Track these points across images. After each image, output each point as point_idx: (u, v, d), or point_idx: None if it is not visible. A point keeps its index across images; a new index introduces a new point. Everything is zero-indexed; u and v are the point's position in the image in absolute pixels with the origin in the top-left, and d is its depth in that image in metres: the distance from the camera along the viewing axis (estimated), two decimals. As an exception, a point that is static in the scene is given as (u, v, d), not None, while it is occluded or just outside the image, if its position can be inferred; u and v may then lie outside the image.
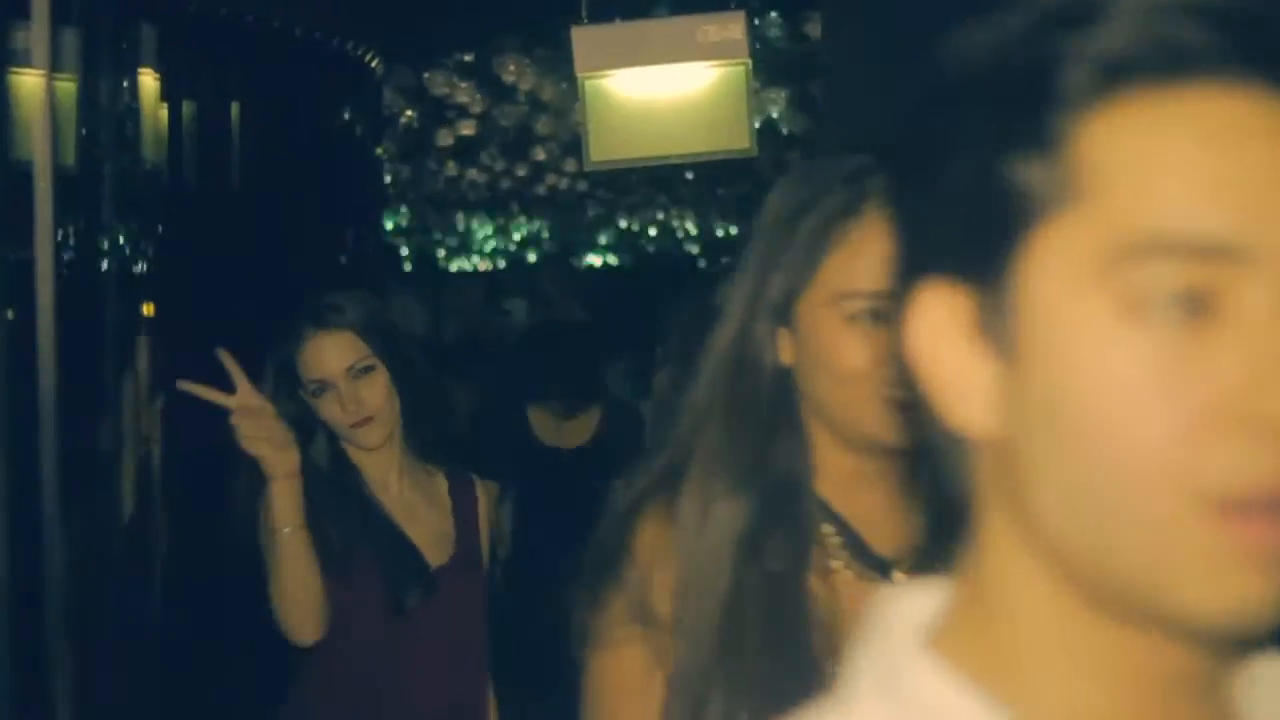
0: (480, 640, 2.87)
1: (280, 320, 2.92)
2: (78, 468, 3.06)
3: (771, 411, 1.60)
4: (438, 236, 16.80)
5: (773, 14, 7.82)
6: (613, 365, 5.34)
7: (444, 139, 10.89)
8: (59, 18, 2.91)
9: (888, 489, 1.65)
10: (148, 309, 4.63)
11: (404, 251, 15.34)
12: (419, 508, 2.88)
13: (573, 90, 4.15)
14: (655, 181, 14.51)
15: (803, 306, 1.58)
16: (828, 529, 1.62)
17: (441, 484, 2.94)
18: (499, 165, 12.77)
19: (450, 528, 2.90)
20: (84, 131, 3.76)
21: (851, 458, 1.62)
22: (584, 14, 4.04)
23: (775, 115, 9.63)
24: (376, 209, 7.22)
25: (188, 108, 5.28)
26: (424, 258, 16.27)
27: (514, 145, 11.95)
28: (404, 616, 2.72)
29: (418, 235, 16.14)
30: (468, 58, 9.16)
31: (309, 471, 2.67)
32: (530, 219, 16.55)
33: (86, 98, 3.74)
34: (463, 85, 9.44)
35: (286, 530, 2.59)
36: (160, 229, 4.82)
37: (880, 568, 1.62)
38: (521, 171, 12.99)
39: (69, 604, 2.80)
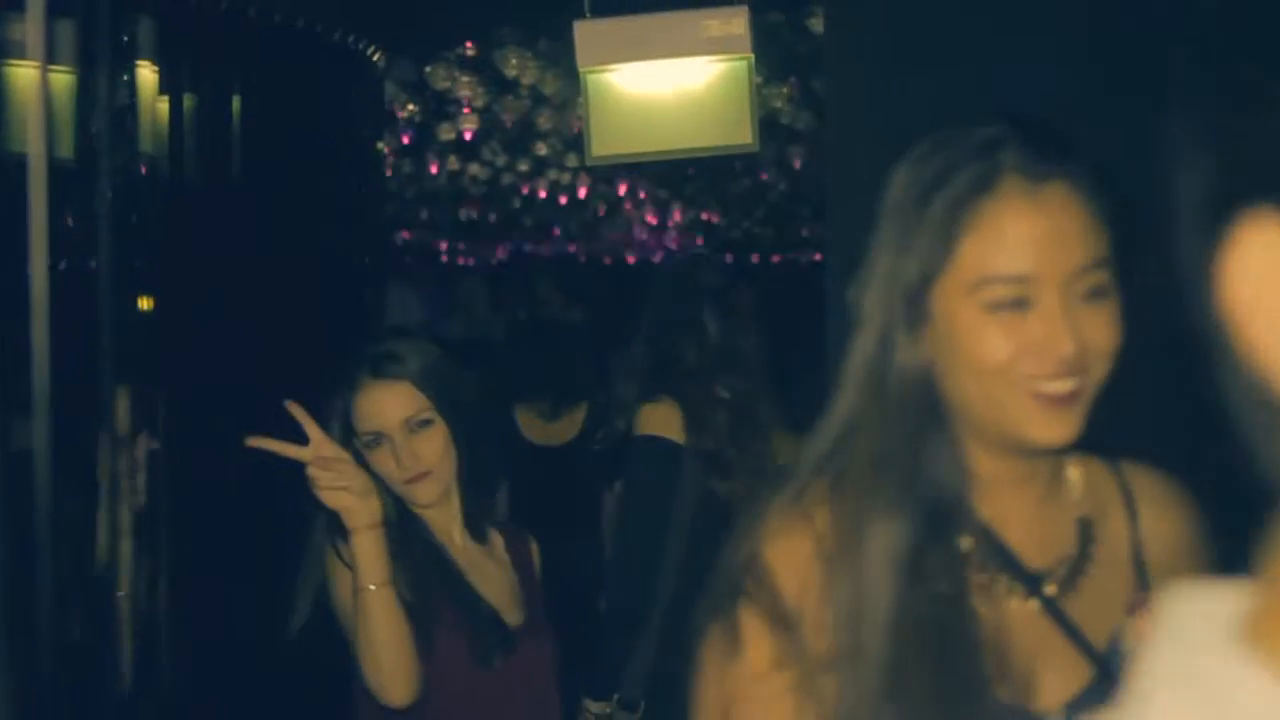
0: (557, 700, 2.78)
1: (337, 365, 2.83)
2: (71, 467, 3.04)
3: (921, 417, 1.46)
4: (439, 232, 16.76)
5: (775, 10, 7.78)
6: (614, 361, 5.34)
7: (445, 133, 10.86)
8: (55, 9, 2.88)
9: (1036, 494, 1.52)
10: (145, 303, 4.60)
11: (405, 246, 15.31)
12: (483, 564, 2.79)
13: (575, 84, 4.12)
14: (657, 176, 14.48)
15: (937, 295, 1.44)
16: (970, 539, 1.48)
17: (498, 540, 2.86)
18: (500, 160, 12.73)
19: (516, 585, 2.81)
20: (82, 125, 3.73)
21: (996, 460, 1.48)
22: (586, 8, 4.01)
23: (779, 107, 9.59)
24: (378, 203, 7.18)
25: (188, 101, 5.26)
26: (426, 253, 16.24)
27: (516, 140, 11.92)
28: (485, 674, 2.62)
29: (419, 230, 16.10)
30: (469, 51, 9.13)
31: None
32: (532, 214, 16.51)
33: (84, 91, 3.72)
34: (464, 79, 9.41)
35: (373, 588, 2.46)
36: (159, 223, 4.79)
37: (1030, 581, 1.49)
38: (523, 166, 12.95)
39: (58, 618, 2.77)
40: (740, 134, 3.94)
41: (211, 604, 4.75)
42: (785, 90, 9.59)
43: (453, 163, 12.70)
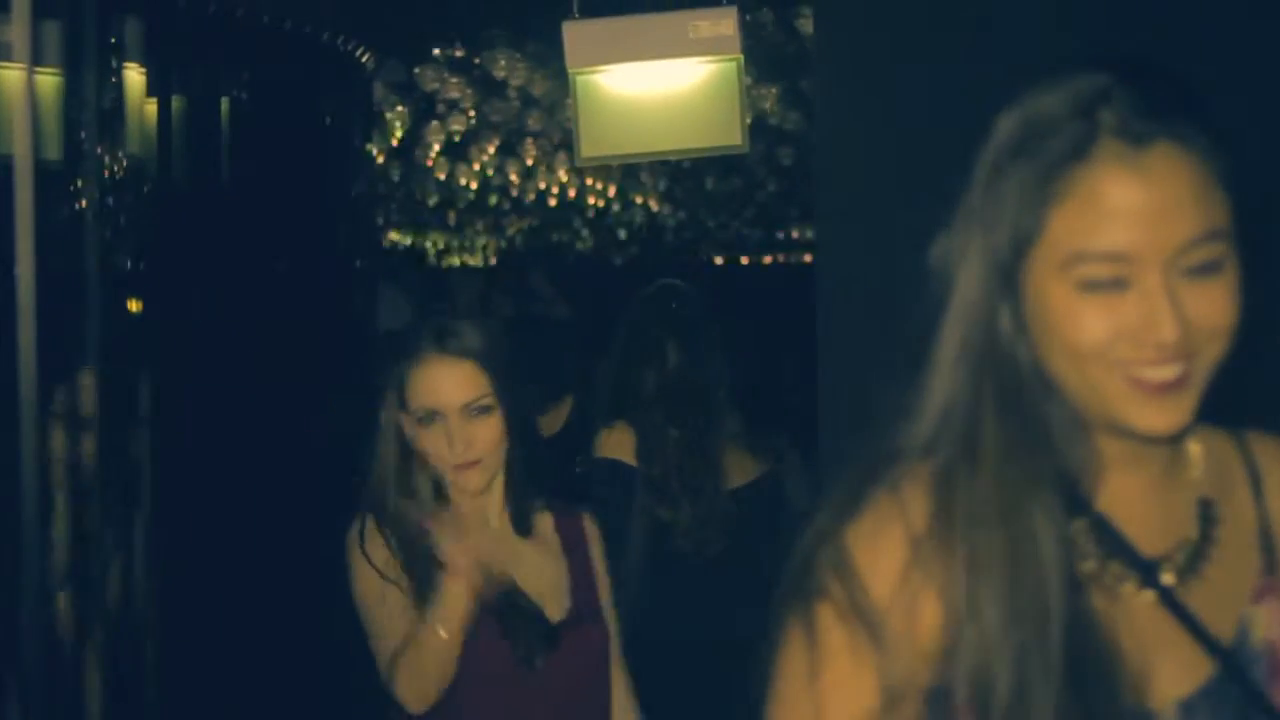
0: (605, 696, 2.65)
1: (397, 342, 2.68)
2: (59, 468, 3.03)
3: (1040, 396, 1.33)
4: (429, 233, 16.76)
5: (764, 9, 7.79)
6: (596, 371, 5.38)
7: (434, 134, 10.86)
8: (42, 10, 2.87)
9: (1151, 474, 1.39)
10: (133, 305, 4.59)
11: (395, 248, 15.30)
12: (526, 554, 2.64)
13: (564, 86, 4.12)
14: (646, 178, 14.48)
15: (1028, 269, 1.31)
16: (1078, 524, 1.34)
17: (547, 523, 2.71)
18: (490, 161, 12.73)
19: (563, 573, 2.66)
20: (69, 126, 3.72)
21: (1107, 440, 1.35)
22: (575, 9, 4.01)
23: (768, 108, 9.60)
24: (367, 205, 7.17)
25: (176, 103, 5.25)
26: (415, 254, 16.23)
27: (505, 141, 11.92)
28: (524, 675, 2.50)
29: (409, 231, 16.10)
30: (458, 53, 9.13)
31: (407, 515, 2.50)
32: (521, 215, 16.52)
33: (72, 92, 3.71)
34: (454, 80, 9.41)
35: (444, 634, 2.38)
36: (147, 225, 4.78)
37: (1145, 569, 1.35)
38: (512, 167, 12.95)
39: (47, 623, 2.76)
40: (730, 135, 3.94)
41: (208, 602, 4.74)
42: (774, 91, 9.60)
43: (442, 164, 12.70)
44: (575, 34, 3.91)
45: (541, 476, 2.70)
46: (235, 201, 5.41)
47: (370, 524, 2.55)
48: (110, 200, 4.25)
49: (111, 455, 3.91)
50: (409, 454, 2.58)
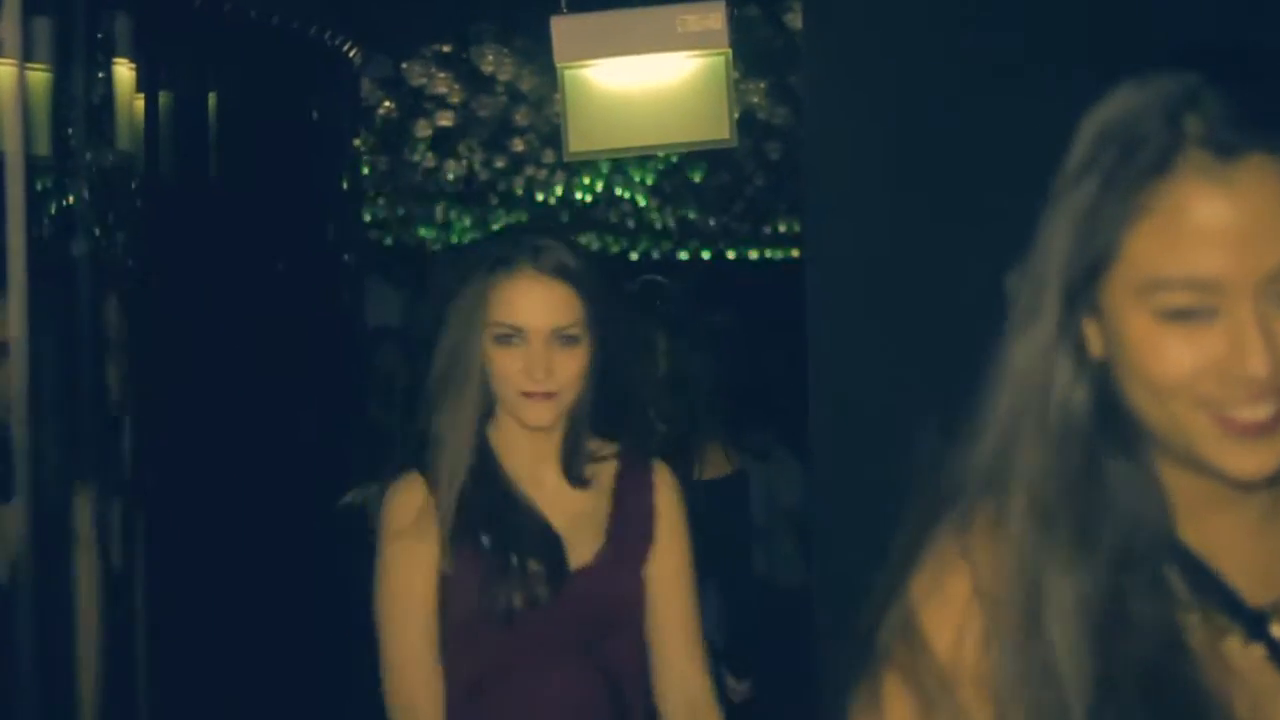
0: (628, 644, 2.49)
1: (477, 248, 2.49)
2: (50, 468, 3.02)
3: (1101, 434, 1.20)
4: (416, 228, 16.74)
5: (753, 4, 7.80)
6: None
7: (422, 130, 10.84)
8: (31, 6, 2.88)
9: (1253, 515, 1.23)
10: (122, 300, 4.59)
11: (382, 242, 15.28)
12: (568, 497, 2.45)
13: (552, 81, 4.13)
14: (634, 172, 14.48)
15: (1105, 291, 1.17)
16: (1170, 569, 1.20)
17: (608, 470, 2.50)
18: (477, 156, 12.71)
19: (604, 519, 2.47)
20: (58, 122, 3.72)
21: (1199, 479, 1.20)
22: (563, 3, 4.02)
23: (756, 102, 9.60)
24: (355, 200, 7.17)
25: (164, 98, 5.25)
26: (403, 250, 16.22)
27: (492, 136, 11.90)
28: (534, 617, 2.35)
29: (396, 227, 16.08)
30: (446, 48, 9.12)
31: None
32: (509, 210, 16.50)
33: (61, 88, 3.71)
34: (441, 75, 9.39)
35: None
36: (136, 219, 4.78)
37: (1251, 621, 1.20)
38: (500, 163, 12.93)
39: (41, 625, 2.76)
40: (718, 129, 3.95)
41: (196, 599, 4.74)
42: (762, 85, 9.60)
43: (429, 159, 12.67)
44: (563, 28, 3.92)
45: (617, 425, 2.50)
46: (223, 196, 5.41)
47: (409, 476, 2.39)
48: (99, 196, 4.25)
49: (99, 452, 3.91)
50: (464, 380, 2.37)
